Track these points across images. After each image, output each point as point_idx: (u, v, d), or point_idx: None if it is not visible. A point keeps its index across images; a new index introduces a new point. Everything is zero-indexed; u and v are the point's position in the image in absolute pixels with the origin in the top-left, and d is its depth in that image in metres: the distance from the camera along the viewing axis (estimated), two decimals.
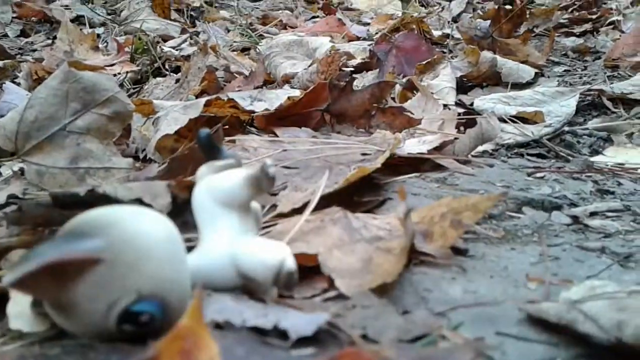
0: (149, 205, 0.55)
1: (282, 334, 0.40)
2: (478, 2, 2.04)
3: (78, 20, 1.74)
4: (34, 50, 1.48)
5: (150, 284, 0.36)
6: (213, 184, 0.45)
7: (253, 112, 0.87)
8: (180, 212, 0.60)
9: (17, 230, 0.56)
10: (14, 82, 1.12)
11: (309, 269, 0.50)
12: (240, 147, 0.76)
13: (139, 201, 0.54)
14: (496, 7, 1.49)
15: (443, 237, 0.54)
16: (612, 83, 1.14)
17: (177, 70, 1.31)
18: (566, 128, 0.94)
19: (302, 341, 0.39)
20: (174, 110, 0.85)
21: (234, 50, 1.43)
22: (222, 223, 0.44)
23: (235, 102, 0.86)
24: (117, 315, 0.35)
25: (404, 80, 1.11)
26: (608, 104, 1.04)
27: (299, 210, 0.61)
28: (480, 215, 0.54)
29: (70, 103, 0.72)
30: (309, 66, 1.10)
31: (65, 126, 0.72)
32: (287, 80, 1.15)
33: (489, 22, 1.51)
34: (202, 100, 0.85)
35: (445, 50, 1.45)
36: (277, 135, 0.83)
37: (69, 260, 0.34)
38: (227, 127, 0.82)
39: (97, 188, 0.54)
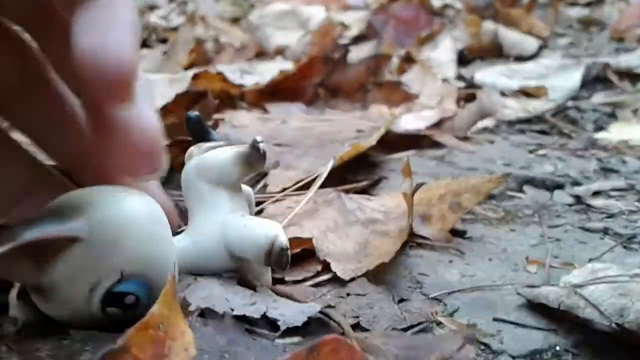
0: None
1: (271, 323, 0.37)
2: None
3: None
4: None
5: (133, 264, 0.33)
6: (202, 163, 0.42)
7: (243, 86, 0.83)
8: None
9: None
10: None
11: (300, 252, 0.48)
12: (229, 123, 0.73)
13: None
14: None
15: (442, 220, 0.52)
16: (617, 56, 1.11)
17: (164, 41, 1.27)
18: (570, 103, 0.91)
19: (290, 330, 0.37)
20: (160, 85, 0.82)
21: (224, 20, 1.39)
22: (212, 203, 0.41)
23: (225, 75, 0.83)
24: (100, 297, 0.33)
25: (402, 52, 1.08)
26: (613, 78, 1.01)
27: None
28: (481, 197, 0.52)
29: None
30: (302, 37, 1.07)
31: None
32: (280, 51, 1.12)
33: None
34: (189, 73, 0.82)
35: (445, 21, 1.41)
36: (268, 111, 0.80)
37: (44, 240, 0.32)
38: (216, 101, 0.79)
39: None
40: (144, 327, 0.30)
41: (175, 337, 0.31)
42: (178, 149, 0.57)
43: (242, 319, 0.37)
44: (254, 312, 0.37)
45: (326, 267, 0.47)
